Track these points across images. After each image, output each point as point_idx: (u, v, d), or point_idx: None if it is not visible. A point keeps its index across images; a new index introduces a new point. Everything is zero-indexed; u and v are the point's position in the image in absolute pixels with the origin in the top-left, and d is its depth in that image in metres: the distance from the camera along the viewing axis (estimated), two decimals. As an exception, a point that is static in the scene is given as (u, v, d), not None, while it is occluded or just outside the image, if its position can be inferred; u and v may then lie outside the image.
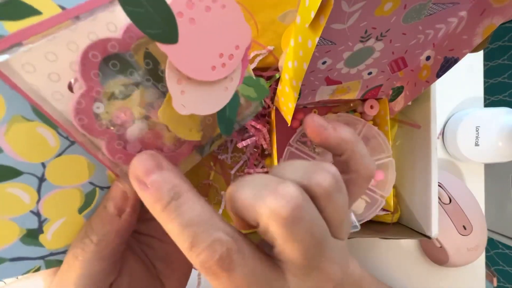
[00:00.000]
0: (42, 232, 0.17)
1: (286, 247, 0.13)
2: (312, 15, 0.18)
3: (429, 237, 0.33)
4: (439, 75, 0.28)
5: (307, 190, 0.14)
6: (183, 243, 0.13)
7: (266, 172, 0.37)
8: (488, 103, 0.99)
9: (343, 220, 0.15)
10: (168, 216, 0.13)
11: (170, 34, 0.14)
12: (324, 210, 0.14)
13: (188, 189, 0.14)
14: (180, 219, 0.13)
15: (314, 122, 0.18)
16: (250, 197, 0.14)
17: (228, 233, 0.13)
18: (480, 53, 0.49)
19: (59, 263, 0.18)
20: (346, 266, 0.16)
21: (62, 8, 0.14)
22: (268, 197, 0.13)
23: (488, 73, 0.97)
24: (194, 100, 0.16)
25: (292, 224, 0.13)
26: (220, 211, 0.35)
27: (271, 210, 0.13)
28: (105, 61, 0.15)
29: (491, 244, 0.98)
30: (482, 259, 0.48)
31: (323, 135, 0.18)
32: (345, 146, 0.18)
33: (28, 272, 0.17)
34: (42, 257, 0.17)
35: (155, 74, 0.17)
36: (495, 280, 0.58)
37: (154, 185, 0.14)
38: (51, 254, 0.18)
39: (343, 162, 0.18)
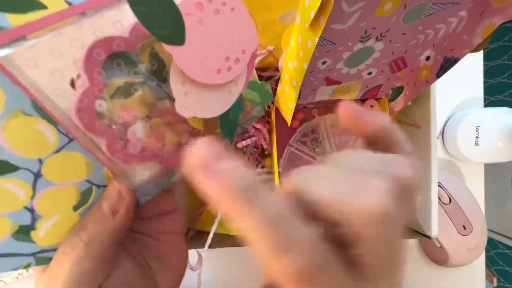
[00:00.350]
0: (34, 228, 0.17)
1: (374, 249, 0.11)
2: (312, 15, 0.18)
3: (429, 237, 0.33)
4: (439, 75, 0.28)
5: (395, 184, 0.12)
6: (267, 243, 0.10)
7: (269, 172, 0.37)
8: (488, 103, 0.99)
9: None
10: (249, 209, 0.10)
11: (177, 35, 0.14)
12: (411, 204, 0.13)
13: (259, 181, 0.11)
14: (264, 213, 0.10)
15: (349, 108, 0.16)
16: (333, 192, 0.12)
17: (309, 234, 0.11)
18: (480, 53, 0.49)
19: (50, 260, 0.18)
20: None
21: (69, 3, 0.14)
22: (359, 193, 0.11)
23: (488, 73, 0.97)
24: (198, 103, 0.16)
25: (386, 224, 0.11)
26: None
27: (364, 208, 0.11)
28: (110, 59, 0.15)
29: (491, 244, 0.98)
30: (482, 259, 0.48)
31: (360, 121, 0.16)
32: (384, 131, 0.16)
33: (18, 268, 0.17)
34: (33, 254, 0.17)
35: (159, 75, 0.16)
36: (495, 280, 0.58)
37: (228, 172, 0.11)
38: (43, 251, 0.17)
39: (384, 146, 0.16)
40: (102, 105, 0.15)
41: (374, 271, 0.12)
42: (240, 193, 0.10)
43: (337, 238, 0.11)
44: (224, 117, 0.19)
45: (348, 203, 0.11)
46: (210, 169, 0.11)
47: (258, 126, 0.35)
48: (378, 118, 0.16)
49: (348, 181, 0.12)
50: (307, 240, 0.10)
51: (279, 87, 0.28)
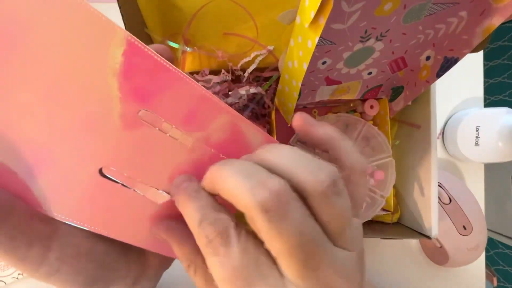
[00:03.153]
0: None
1: (273, 243, 0.13)
2: (312, 15, 0.18)
3: (429, 237, 0.33)
4: (439, 75, 0.28)
5: (300, 188, 0.14)
6: (193, 220, 0.14)
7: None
8: (488, 103, 0.99)
9: (344, 227, 0.14)
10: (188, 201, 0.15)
11: None
12: (318, 213, 0.14)
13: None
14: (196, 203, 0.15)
15: (302, 119, 0.18)
16: (238, 186, 0.14)
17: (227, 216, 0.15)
18: (480, 53, 0.49)
19: None
20: (357, 284, 0.14)
21: None
22: (255, 189, 0.13)
23: (488, 73, 0.97)
24: None
25: (277, 219, 0.13)
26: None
27: (257, 202, 0.13)
28: None
29: (491, 244, 0.98)
30: (482, 259, 0.48)
31: (310, 130, 0.18)
32: (331, 141, 0.18)
33: None
34: None
35: None
36: (495, 280, 0.58)
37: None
38: None
39: (333, 160, 0.18)
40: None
41: (288, 271, 0.13)
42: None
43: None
44: None
45: (245, 196, 0.13)
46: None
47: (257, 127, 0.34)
48: (324, 130, 0.18)
49: (252, 177, 0.14)
50: (219, 217, 0.15)
51: (279, 87, 0.28)
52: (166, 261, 0.21)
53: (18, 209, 0.15)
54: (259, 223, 0.13)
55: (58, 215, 0.16)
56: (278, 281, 0.13)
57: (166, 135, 0.17)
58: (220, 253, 0.13)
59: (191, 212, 0.15)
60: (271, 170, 0.14)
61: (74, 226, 0.17)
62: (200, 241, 0.14)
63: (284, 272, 0.13)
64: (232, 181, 0.14)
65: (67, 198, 0.16)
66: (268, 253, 0.14)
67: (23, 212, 0.15)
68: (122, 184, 0.17)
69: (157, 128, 0.16)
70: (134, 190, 0.17)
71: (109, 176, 0.16)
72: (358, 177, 0.17)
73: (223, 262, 0.13)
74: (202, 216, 0.14)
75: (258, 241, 0.14)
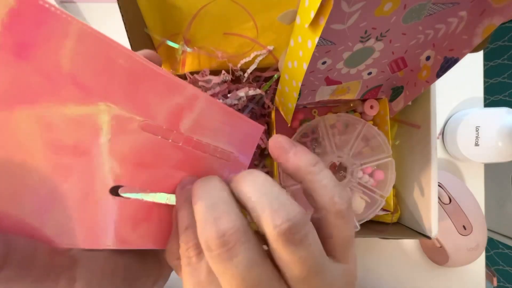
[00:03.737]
0: None
1: (220, 280, 0.13)
2: (312, 15, 0.18)
3: (429, 237, 0.33)
4: (439, 75, 0.28)
5: (260, 228, 0.14)
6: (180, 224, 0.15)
7: (267, 172, 0.37)
8: (488, 103, 0.99)
9: (307, 275, 0.13)
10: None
11: None
12: (275, 257, 0.14)
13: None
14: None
15: (276, 143, 0.17)
16: (201, 215, 0.14)
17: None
18: (480, 53, 0.49)
19: None
20: None
21: None
22: (207, 223, 0.13)
23: (488, 73, 0.97)
24: None
25: (221, 259, 0.13)
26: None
27: (204, 237, 0.13)
28: None
29: (491, 244, 0.98)
30: (482, 259, 0.48)
31: (282, 158, 0.17)
32: (302, 175, 0.16)
33: None
34: None
35: None
36: (495, 280, 0.58)
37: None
38: None
39: (307, 194, 0.16)
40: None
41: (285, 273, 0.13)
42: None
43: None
44: None
45: (199, 229, 0.14)
46: None
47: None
48: (300, 158, 0.16)
49: (214, 210, 0.14)
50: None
51: (279, 87, 0.28)
52: None
53: (40, 251, 0.14)
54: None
55: (77, 245, 0.15)
56: None
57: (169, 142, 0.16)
58: (192, 264, 0.14)
59: (201, 209, 0.15)
60: (240, 201, 0.14)
61: (94, 251, 0.16)
62: (181, 246, 0.15)
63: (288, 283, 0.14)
64: (199, 207, 0.14)
65: (81, 225, 0.15)
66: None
67: (45, 251, 0.15)
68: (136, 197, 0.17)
69: (159, 136, 0.16)
70: (144, 199, 0.17)
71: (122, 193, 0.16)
72: (333, 219, 0.15)
73: (191, 273, 0.14)
74: (188, 224, 0.15)
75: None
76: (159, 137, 0.16)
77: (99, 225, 0.16)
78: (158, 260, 0.21)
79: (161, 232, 0.18)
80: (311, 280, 0.13)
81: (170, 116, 0.16)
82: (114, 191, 0.16)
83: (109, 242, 0.16)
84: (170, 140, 0.16)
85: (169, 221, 0.18)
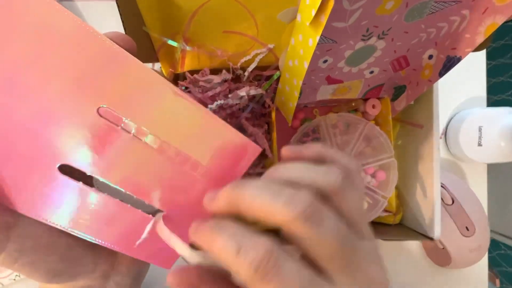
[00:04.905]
0: None
1: (318, 249, 0.13)
2: (313, 13, 0.18)
3: (431, 239, 0.33)
4: (441, 74, 0.28)
5: (320, 191, 0.14)
6: (229, 250, 0.13)
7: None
8: (491, 102, 0.98)
9: (361, 217, 0.15)
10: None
11: None
12: (340, 208, 0.15)
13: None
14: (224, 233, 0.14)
15: (288, 150, 0.19)
16: (271, 202, 0.14)
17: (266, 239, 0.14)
18: (483, 52, 0.49)
19: None
20: (386, 270, 0.15)
21: None
22: (291, 202, 0.13)
23: (491, 72, 0.96)
24: None
25: (317, 225, 0.13)
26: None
27: (297, 213, 0.13)
28: None
29: (494, 245, 0.97)
30: (484, 260, 0.47)
31: (299, 156, 0.18)
32: (322, 154, 0.18)
33: None
34: None
35: None
36: (498, 281, 0.58)
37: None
38: None
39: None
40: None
41: (335, 269, 0.14)
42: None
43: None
44: None
45: (280, 212, 0.13)
46: None
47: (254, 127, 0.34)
48: (312, 149, 0.18)
49: (280, 194, 0.14)
50: (259, 242, 0.13)
51: (280, 86, 0.28)
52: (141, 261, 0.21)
53: None
54: (301, 231, 0.13)
55: (17, 209, 0.16)
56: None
57: (130, 136, 0.16)
58: (273, 278, 0.13)
59: (223, 245, 0.14)
60: (244, 213, 0.15)
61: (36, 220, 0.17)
62: (244, 271, 0.13)
63: (332, 277, 0.14)
64: (264, 198, 0.14)
65: (26, 191, 0.16)
66: (309, 265, 0.14)
67: None
68: (84, 183, 0.16)
69: (119, 127, 0.16)
70: (97, 190, 0.17)
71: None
72: (355, 176, 0.17)
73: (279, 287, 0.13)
74: (238, 244, 0.13)
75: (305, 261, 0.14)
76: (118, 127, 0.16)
77: (43, 197, 0.16)
78: (111, 253, 0.20)
79: (105, 229, 0.18)
80: (344, 253, 0.14)
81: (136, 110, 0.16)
82: (64, 170, 0.16)
83: (47, 216, 0.16)
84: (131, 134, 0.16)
85: (135, 226, 0.18)
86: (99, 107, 0.15)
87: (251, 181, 0.15)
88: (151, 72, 0.16)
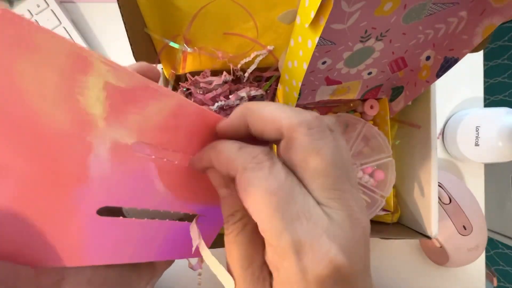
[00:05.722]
0: None
1: (311, 160, 0.13)
2: (312, 15, 0.18)
3: (429, 237, 0.33)
4: (439, 75, 0.28)
5: None
6: (233, 147, 0.15)
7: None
8: (488, 103, 0.99)
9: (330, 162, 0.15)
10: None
11: None
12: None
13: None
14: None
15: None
16: (279, 110, 0.14)
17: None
18: (480, 53, 0.49)
19: None
20: (366, 224, 0.15)
21: None
22: (297, 112, 0.14)
23: (488, 73, 0.97)
24: None
25: (318, 137, 0.14)
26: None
27: (302, 120, 0.14)
28: None
29: (491, 244, 0.98)
30: (482, 259, 0.48)
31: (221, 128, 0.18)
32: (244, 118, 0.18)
33: None
34: None
35: None
36: (495, 280, 0.58)
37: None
38: None
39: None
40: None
41: (318, 182, 0.14)
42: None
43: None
44: None
45: (287, 118, 0.14)
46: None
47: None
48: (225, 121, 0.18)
49: (287, 107, 0.15)
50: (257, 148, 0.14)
51: (279, 87, 0.28)
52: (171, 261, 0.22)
53: (23, 273, 0.14)
54: (300, 139, 0.14)
55: (65, 264, 0.15)
56: (310, 200, 0.13)
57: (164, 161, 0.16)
58: (265, 168, 0.13)
59: (226, 146, 0.15)
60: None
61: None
62: (242, 160, 0.14)
63: (313, 193, 0.14)
64: (273, 107, 0.15)
65: (68, 244, 0.15)
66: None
67: (29, 273, 0.14)
68: (123, 216, 0.16)
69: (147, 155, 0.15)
70: (134, 219, 0.17)
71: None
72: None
73: (267, 177, 0.13)
74: (240, 144, 0.15)
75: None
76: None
77: (85, 243, 0.16)
78: (150, 264, 0.21)
79: (146, 248, 0.18)
80: (335, 174, 0.14)
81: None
82: (103, 211, 0.15)
83: (96, 259, 0.16)
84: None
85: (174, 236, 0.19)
86: (135, 142, 0.14)
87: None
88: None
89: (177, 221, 0.19)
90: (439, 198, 0.40)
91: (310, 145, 0.13)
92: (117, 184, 0.15)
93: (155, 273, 0.21)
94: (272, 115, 0.14)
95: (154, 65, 0.19)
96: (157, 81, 0.18)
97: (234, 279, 0.15)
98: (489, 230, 0.71)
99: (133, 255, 0.18)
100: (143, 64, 0.18)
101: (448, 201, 0.43)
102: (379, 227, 0.37)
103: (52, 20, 0.40)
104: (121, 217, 0.16)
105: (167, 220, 0.18)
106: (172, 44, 0.27)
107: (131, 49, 0.25)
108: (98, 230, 0.16)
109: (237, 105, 0.31)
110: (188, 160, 0.17)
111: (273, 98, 0.33)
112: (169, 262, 0.23)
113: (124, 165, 0.15)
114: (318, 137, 0.14)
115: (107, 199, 0.15)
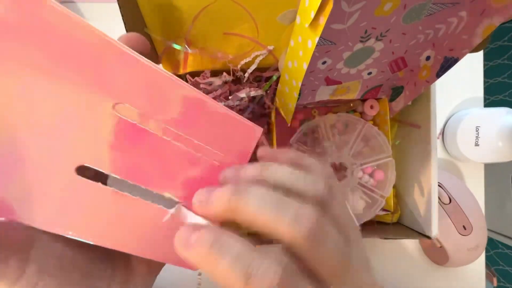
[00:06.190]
0: None
1: (319, 262, 0.14)
2: (312, 15, 0.18)
3: (429, 237, 0.33)
4: (439, 75, 0.28)
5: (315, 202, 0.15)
6: (237, 276, 0.12)
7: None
8: (488, 103, 0.99)
9: (349, 221, 0.16)
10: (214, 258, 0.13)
11: None
12: (334, 217, 0.15)
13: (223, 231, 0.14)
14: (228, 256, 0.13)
15: (266, 150, 0.20)
16: (274, 219, 0.13)
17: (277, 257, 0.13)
18: (480, 53, 0.49)
19: None
20: (374, 273, 0.17)
21: None
22: (296, 219, 0.13)
23: (488, 73, 0.97)
24: None
25: (322, 244, 0.14)
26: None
27: (304, 231, 0.13)
28: None
29: (491, 244, 0.98)
30: (482, 259, 0.48)
31: (275, 160, 0.19)
32: (298, 161, 0.18)
33: None
34: None
35: None
36: (495, 280, 0.58)
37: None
38: None
39: None
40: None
41: (325, 275, 0.14)
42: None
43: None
44: None
45: (282, 226, 0.13)
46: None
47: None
48: (287, 154, 0.19)
49: (283, 208, 0.14)
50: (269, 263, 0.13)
51: (279, 87, 0.28)
52: (155, 268, 0.20)
53: None
54: (305, 248, 0.13)
55: (36, 224, 0.14)
56: None
57: (148, 130, 0.15)
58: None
59: (228, 269, 0.12)
60: (243, 218, 0.14)
61: (54, 235, 0.15)
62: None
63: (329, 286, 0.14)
64: (269, 213, 0.14)
65: (43, 203, 0.14)
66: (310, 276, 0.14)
67: None
68: (103, 183, 0.15)
69: (137, 122, 0.15)
70: (114, 190, 0.16)
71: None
72: (333, 182, 0.17)
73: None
74: (247, 269, 0.12)
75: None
76: (138, 124, 0.15)
77: (63, 206, 0.15)
78: (128, 264, 0.19)
79: (128, 234, 0.16)
80: (342, 265, 0.14)
81: (153, 107, 0.15)
82: (83, 172, 0.15)
83: (71, 229, 0.15)
84: (156, 132, 0.16)
85: (155, 227, 0.17)
86: (115, 104, 0.15)
87: (249, 187, 0.15)
88: (159, 73, 0.15)
89: (166, 210, 0.17)
90: (439, 198, 0.40)
91: (315, 254, 0.14)
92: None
93: (132, 277, 0.19)
94: (268, 226, 0.14)
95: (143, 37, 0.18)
96: (146, 52, 0.17)
97: None
98: (489, 230, 0.71)
99: (107, 237, 0.16)
100: (132, 35, 0.18)
101: (448, 201, 0.43)
102: (379, 227, 0.37)
103: (52, 20, 0.40)
104: (99, 183, 0.15)
105: (155, 204, 0.17)
106: (175, 46, 0.27)
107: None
108: (74, 193, 0.15)
109: (237, 105, 0.31)
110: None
111: (273, 98, 0.33)
112: (151, 270, 0.20)
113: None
114: (321, 244, 0.14)
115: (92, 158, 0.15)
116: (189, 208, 0.17)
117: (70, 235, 0.15)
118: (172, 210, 0.17)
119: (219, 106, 0.17)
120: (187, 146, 0.17)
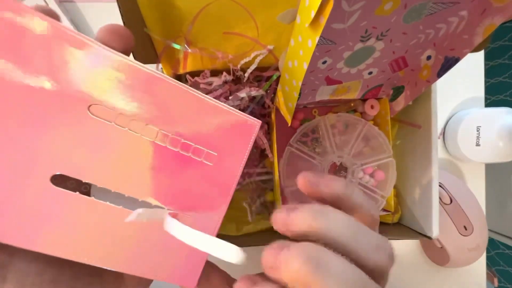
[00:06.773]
0: None
1: None
2: (312, 14, 0.18)
3: (429, 238, 0.33)
4: (439, 74, 0.28)
5: (324, 239, 0.14)
6: None
7: (268, 172, 0.37)
8: (489, 102, 0.98)
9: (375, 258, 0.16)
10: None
11: None
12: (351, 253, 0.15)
13: None
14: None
15: (305, 180, 0.17)
16: (270, 261, 0.14)
17: None
18: (481, 53, 0.49)
19: None
20: None
21: None
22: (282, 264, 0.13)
23: (489, 73, 0.97)
24: None
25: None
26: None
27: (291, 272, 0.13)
28: None
29: (492, 245, 0.98)
30: (483, 259, 0.48)
31: (317, 193, 0.17)
32: (342, 202, 0.17)
33: None
34: None
35: None
36: (496, 280, 0.58)
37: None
38: None
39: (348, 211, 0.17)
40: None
41: None
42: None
43: None
44: None
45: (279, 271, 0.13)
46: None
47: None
48: (333, 188, 0.17)
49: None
50: None
51: (279, 87, 0.28)
52: (147, 280, 0.19)
53: None
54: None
55: (11, 241, 0.13)
56: None
57: (125, 130, 0.14)
58: None
59: None
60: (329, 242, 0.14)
61: (33, 252, 0.14)
62: None
63: None
64: (267, 257, 0.14)
65: (17, 217, 0.13)
66: None
67: None
68: (81, 193, 0.14)
69: (112, 123, 0.14)
70: (94, 199, 0.14)
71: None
72: (374, 226, 0.18)
73: None
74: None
75: None
76: (113, 124, 0.14)
77: (38, 221, 0.14)
78: (118, 276, 0.18)
79: (111, 249, 0.15)
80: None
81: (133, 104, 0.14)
82: (59, 181, 0.14)
83: (43, 245, 0.14)
84: (138, 134, 0.14)
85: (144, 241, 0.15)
86: (90, 105, 0.14)
87: (333, 214, 0.15)
88: (138, 68, 0.15)
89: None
90: (439, 198, 0.40)
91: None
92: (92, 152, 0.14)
93: None
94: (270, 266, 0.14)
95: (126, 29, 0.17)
96: (129, 47, 0.16)
97: None
98: (490, 230, 0.71)
99: (92, 255, 0.15)
100: (119, 28, 0.16)
101: (449, 201, 0.43)
102: (379, 227, 0.37)
103: (52, 20, 0.40)
104: (77, 193, 0.14)
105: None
106: (175, 46, 0.27)
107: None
108: (52, 206, 0.14)
109: (237, 105, 0.31)
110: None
111: (273, 97, 0.33)
112: (143, 281, 0.19)
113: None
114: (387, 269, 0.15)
115: (66, 166, 0.13)
116: (175, 216, 0.16)
117: (44, 251, 0.14)
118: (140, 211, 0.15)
119: (206, 98, 0.16)
120: (175, 147, 0.16)
